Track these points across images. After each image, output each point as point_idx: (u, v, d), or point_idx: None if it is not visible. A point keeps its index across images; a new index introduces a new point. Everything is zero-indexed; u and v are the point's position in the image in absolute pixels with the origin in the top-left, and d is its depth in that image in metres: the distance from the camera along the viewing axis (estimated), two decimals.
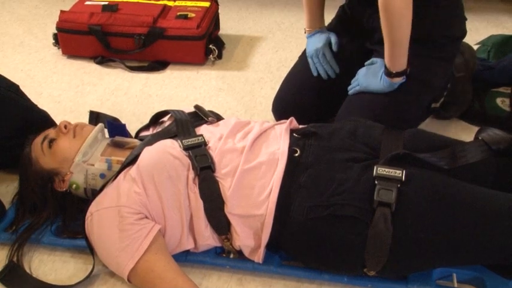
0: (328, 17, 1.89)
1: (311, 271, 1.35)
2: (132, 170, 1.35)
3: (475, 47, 2.05)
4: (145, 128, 1.70)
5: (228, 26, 2.71)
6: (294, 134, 1.43)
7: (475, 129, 1.47)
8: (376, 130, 1.44)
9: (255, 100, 2.14)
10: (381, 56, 1.62)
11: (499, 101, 1.92)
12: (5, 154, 1.62)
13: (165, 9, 2.45)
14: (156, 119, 1.69)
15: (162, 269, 1.26)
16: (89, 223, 1.32)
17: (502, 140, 1.36)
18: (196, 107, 1.62)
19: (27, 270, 1.40)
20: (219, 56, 2.40)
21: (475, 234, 1.22)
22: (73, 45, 2.44)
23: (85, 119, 1.84)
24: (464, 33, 1.69)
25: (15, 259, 1.41)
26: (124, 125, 1.70)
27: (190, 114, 1.59)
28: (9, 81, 1.75)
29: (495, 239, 1.23)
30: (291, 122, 1.49)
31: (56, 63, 2.45)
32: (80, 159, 1.45)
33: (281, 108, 1.87)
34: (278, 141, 1.40)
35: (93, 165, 1.46)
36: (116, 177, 1.38)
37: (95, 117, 1.83)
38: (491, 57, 2.12)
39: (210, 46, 2.35)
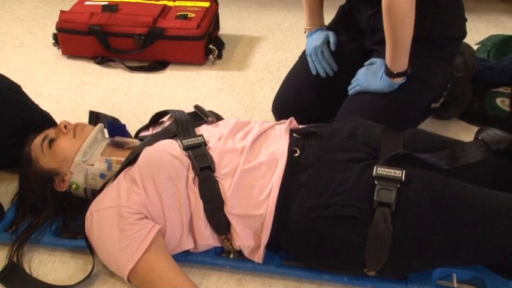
0: (328, 17, 1.89)
1: (311, 271, 1.35)
2: (132, 170, 1.35)
3: (475, 47, 2.05)
4: (145, 128, 1.70)
5: (228, 26, 2.71)
6: (294, 134, 1.43)
7: (475, 129, 1.47)
8: (376, 130, 1.44)
9: (255, 100, 2.14)
10: (381, 56, 1.62)
11: (498, 101, 1.92)
12: (5, 153, 1.62)
13: (165, 9, 2.45)
14: (156, 119, 1.69)
15: (162, 269, 1.26)
16: (88, 223, 1.32)
17: (502, 140, 1.36)
18: (196, 107, 1.62)
19: (27, 271, 1.40)
20: (219, 56, 2.40)
21: (475, 234, 1.22)
22: (73, 46, 2.44)
23: (85, 119, 1.84)
24: (464, 33, 1.69)
25: (15, 259, 1.41)
26: (124, 125, 1.70)
27: (190, 114, 1.59)
28: (10, 80, 1.76)
29: (495, 239, 1.23)
30: (291, 122, 1.49)
31: (56, 63, 2.45)
32: (80, 159, 1.45)
33: (281, 109, 1.87)
34: (278, 141, 1.40)
35: (93, 165, 1.46)
36: (115, 177, 1.38)
37: (95, 118, 1.83)
38: (491, 57, 2.13)
39: (210, 46, 2.35)
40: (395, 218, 1.22)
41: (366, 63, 1.70)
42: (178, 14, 2.38)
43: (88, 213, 1.33)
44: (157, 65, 2.37)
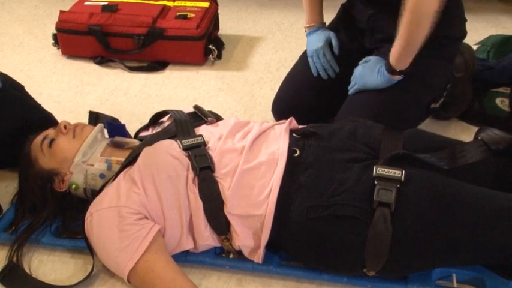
0: (329, 17, 1.89)
1: (311, 271, 1.35)
2: (132, 170, 1.35)
3: (475, 47, 2.06)
4: (145, 128, 1.70)
5: (228, 26, 2.71)
6: (294, 134, 1.43)
7: (475, 129, 1.47)
8: (375, 130, 1.44)
9: (254, 100, 2.14)
10: (380, 54, 1.62)
11: (498, 101, 1.92)
12: (7, 151, 1.62)
13: (165, 9, 2.45)
14: (156, 119, 1.69)
15: (162, 269, 1.26)
16: (88, 223, 1.32)
17: (502, 140, 1.36)
18: (196, 107, 1.62)
19: (27, 271, 1.40)
20: (219, 56, 2.40)
21: (475, 234, 1.22)
22: (72, 46, 2.44)
23: (84, 119, 1.84)
24: (464, 34, 1.69)
25: (14, 259, 1.41)
26: (123, 125, 1.70)
27: (189, 114, 1.59)
28: (14, 80, 1.77)
29: (495, 239, 1.23)
30: (291, 122, 1.49)
31: (56, 63, 2.45)
32: (80, 159, 1.45)
33: (281, 109, 1.87)
34: (278, 141, 1.40)
35: (92, 165, 1.46)
36: (115, 178, 1.38)
37: (95, 118, 1.84)
38: (491, 58, 2.13)
39: (210, 46, 2.35)
40: (395, 218, 1.22)
41: (360, 62, 1.70)
42: (177, 14, 2.38)
43: (88, 214, 1.33)
44: (156, 65, 2.37)
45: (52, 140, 1.47)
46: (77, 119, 1.72)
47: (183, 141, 1.40)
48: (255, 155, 1.37)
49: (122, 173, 1.37)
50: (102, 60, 2.41)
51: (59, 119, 1.61)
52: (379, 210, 1.23)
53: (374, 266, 1.25)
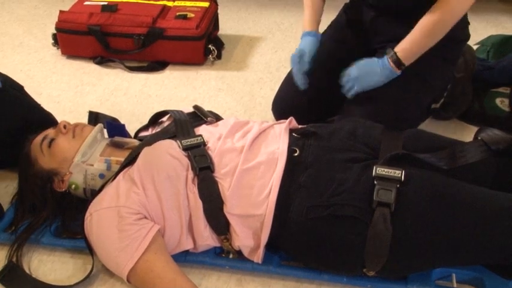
0: (329, 17, 1.88)
1: (310, 271, 1.35)
2: (132, 170, 1.35)
3: (474, 47, 2.05)
4: (145, 128, 1.70)
5: (228, 26, 2.71)
6: (294, 134, 1.43)
7: (475, 129, 1.47)
8: (375, 130, 1.44)
9: (254, 100, 2.14)
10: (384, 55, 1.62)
11: (498, 101, 1.92)
12: (7, 151, 1.62)
13: (165, 9, 2.45)
14: (155, 119, 1.69)
15: (162, 269, 1.26)
16: (88, 223, 1.32)
17: (502, 140, 1.36)
18: (196, 107, 1.62)
19: (27, 271, 1.40)
20: (219, 56, 2.40)
21: (475, 234, 1.22)
22: (72, 46, 2.44)
23: (84, 119, 1.84)
24: (467, 36, 1.69)
25: (14, 259, 1.40)
26: (123, 125, 1.70)
27: (189, 114, 1.59)
28: (14, 80, 1.77)
29: (495, 239, 1.23)
30: (290, 122, 1.49)
31: (55, 63, 2.45)
32: (79, 159, 1.45)
33: (281, 109, 1.87)
34: (277, 141, 1.40)
35: (92, 165, 1.46)
36: (115, 178, 1.38)
37: (94, 118, 1.84)
38: (491, 58, 2.13)
39: (210, 46, 2.35)
40: (395, 218, 1.22)
41: (352, 64, 1.65)
42: (177, 14, 2.38)
43: (87, 214, 1.33)
44: (156, 65, 2.37)
45: (52, 140, 1.47)
46: (76, 119, 1.72)
47: (182, 141, 1.40)
48: (254, 154, 1.37)
49: (122, 173, 1.37)
50: (102, 60, 2.41)
51: (58, 119, 1.61)
52: (379, 210, 1.23)
53: (374, 266, 1.25)
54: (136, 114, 2.06)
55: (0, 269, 1.38)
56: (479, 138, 1.38)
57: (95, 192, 1.42)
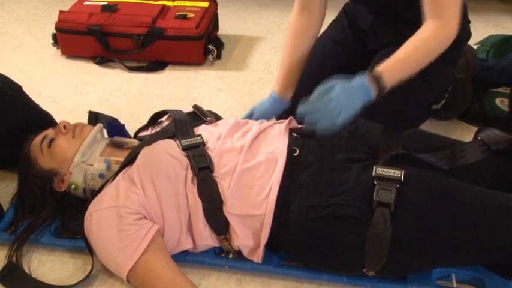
0: (329, 17, 1.88)
1: (310, 271, 1.35)
2: (131, 170, 1.35)
3: (474, 47, 2.05)
4: (144, 128, 1.70)
5: (227, 26, 2.71)
6: (293, 134, 1.43)
7: (475, 129, 1.47)
8: (375, 130, 1.44)
9: (254, 100, 2.13)
10: (384, 56, 1.60)
11: (498, 101, 1.92)
12: (6, 151, 1.62)
13: (164, 9, 2.45)
14: (155, 119, 1.69)
15: (161, 269, 1.26)
16: (87, 223, 1.32)
17: (502, 140, 1.36)
18: (195, 107, 1.62)
19: (27, 271, 1.40)
20: (218, 56, 2.40)
21: (475, 234, 1.22)
22: (72, 46, 2.44)
23: (84, 119, 1.84)
24: (468, 36, 1.68)
25: (14, 259, 1.40)
26: (123, 125, 1.70)
27: (189, 114, 1.59)
28: (12, 81, 1.77)
29: (495, 239, 1.23)
30: (290, 122, 1.49)
31: (55, 63, 2.45)
32: (79, 159, 1.45)
33: None
34: (277, 141, 1.40)
35: (92, 165, 1.46)
36: (114, 178, 1.38)
37: (94, 118, 1.83)
38: (490, 58, 2.13)
39: (209, 46, 2.35)
40: (395, 218, 1.22)
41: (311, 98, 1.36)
42: (177, 14, 2.38)
43: (87, 214, 1.33)
44: (156, 65, 2.37)
45: (51, 140, 1.47)
46: (76, 119, 1.72)
47: (182, 141, 1.40)
48: (254, 154, 1.37)
49: (121, 173, 1.37)
50: (101, 60, 2.41)
51: (58, 119, 1.61)
52: (379, 210, 1.23)
53: (374, 266, 1.25)
54: (136, 114, 2.06)
55: (0, 269, 1.38)
56: (479, 138, 1.38)
57: (94, 192, 1.41)
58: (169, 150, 1.37)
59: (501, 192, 1.28)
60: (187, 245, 1.36)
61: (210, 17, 2.42)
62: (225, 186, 1.31)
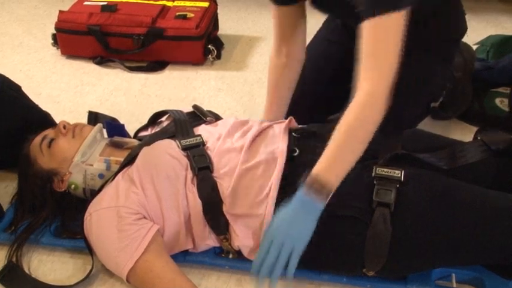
0: (322, 17, 1.87)
1: (310, 271, 1.35)
2: (131, 170, 1.35)
3: (474, 47, 2.05)
4: (144, 128, 1.70)
5: (227, 26, 2.71)
6: (293, 134, 1.43)
7: (475, 129, 1.48)
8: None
9: (254, 100, 2.14)
10: None
11: (498, 101, 1.92)
12: (6, 152, 1.62)
13: (164, 9, 2.45)
14: (155, 119, 1.69)
15: (161, 269, 1.26)
16: (87, 223, 1.32)
17: (502, 140, 1.36)
18: (195, 107, 1.62)
19: (27, 271, 1.40)
20: (218, 56, 2.40)
21: (475, 234, 1.22)
22: (72, 46, 2.44)
23: (84, 119, 1.84)
24: (464, 30, 1.63)
25: (14, 259, 1.40)
26: (123, 125, 1.70)
27: (188, 114, 1.59)
28: (11, 81, 1.77)
29: (495, 239, 1.23)
30: (290, 122, 1.49)
31: (55, 63, 2.45)
32: (79, 159, 1.45)
33: None
34: (277, 141, 1.39)
35: (92, 165, 1.46)
36: (114, 178, 1.38)
37: (94, 118, 1.83)
38: (490, 58, 2.12)
39: (209, 46, 2.35)
40: (395, 218, 1.22)
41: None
42: (177, 14, 2.38)
43: (87, 214, 1.33)
44: (156, 65, 2.37)
45: (51, 140, 1.47)
46: (76, 119, 1.72)
47: (181, 141, 1.40)
48: (254, 154, 1.36)
49: (121, 173, 1.37)
50: (101, 60, 2.41)
51: (58, 119, 1.61)
52: (379, 210, 1.23)
53: (374, 266, 1.25)
54: (135, 114, 2.06)
55: (0, 269, 1.38)
56: (479, 138, 1.39)
57: (94, 192, 1.41)
58: (169, 150, 1.37)
59: (501, 192, 1.28)
60: (187, 245, 1.36)
61: (210, 17, 2.42)
62: (225, 186, 1.31)
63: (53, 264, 1.45)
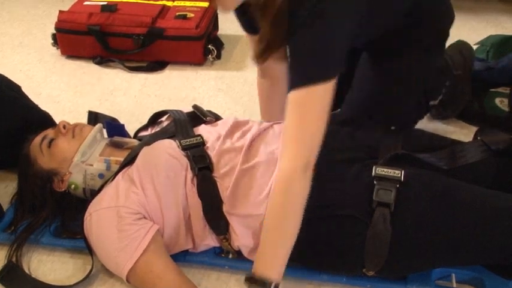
0: None
1: (310, 271, 1.35)
2: (131, 170, 1.35)
3: (474, 47, 2.05)
4: (144, 128, 1.70)
5: (227, 26, 2.71)
6: None
7: (474, 129, 1.47)
8: (375, 130, 1.44)
9: (254, 100, 2.13)
10: (368, 52, 1.56)
11: (498, 101, 1.92)
12: (6, 152, 1.62)
13: (164, 9, 2.45)
14: (155, 119, 1.69)
15: (161, 269, 1.26)
16: (87, 223, 1.32)
17: (501, 140, 1.36)
18: (195, 107, 1.62)
19: (26, 271, 1.40)
20: (218, 56, 2.40)
21: (475, 234, 1.22)
22: (72, 46, 2.44)
23: (84, 119, 1.84)
24: (449, 20, 1.55)
25: (14, 259, 1.41)
26: (123, 125, 1.70)
27: (188, 114, 1.58)
28: (11, 81, 1.77)
29: (495, 239, 1.23)
30: None
31: (55, 63, 2.45)
32: (79, 159, 1.45)
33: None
34: (277, 141, 1.39)
35: (91, 165, 1.46)
36: (114, 178, 1.38)
37: (94, 118, 1.83)
38: (490, 58, 2.12)
39: (209, 46, 2.35)
40: (395, 218, 1.22)
41: None
42: (177, 14, 2.38)
43: (87, 214, 1.33)
44: (156, 65, 2.37)
45: (51, 140, 1.47)
46: (76, 119, 1.72)
47: (181, 141, 1.40)
48: (253, 154, 1.37)
49: (121, 173, 1.37)
50: (101, 60, 2.41)
51: (58, 119, 1.61)
52: (379, 210, 1.23)
53: (373, 266, 1.25)
54: (135, 114, 2.06)
55: (0, 269, 1.38)
56: (479, 138, 1.38)
57: (94, 192, 1.41)
58: (169, 150, 1.37)
59: (501, 192, 1.28)
60: (187, 245, 1.36)
61: (210, 17, 2.42)
62: (225, 186, 1.31)
63: (53, 264, 1.45)
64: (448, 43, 1.78)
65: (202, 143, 1.40)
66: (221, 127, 1.48)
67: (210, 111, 1.63)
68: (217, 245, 1.37)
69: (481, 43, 2.23)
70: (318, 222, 1.25)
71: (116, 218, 1.27)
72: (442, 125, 1.92)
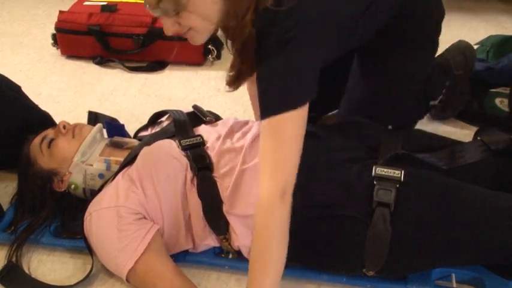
0: None
1: (310, 271, 1.35)
2: (131, 170, 1.35)
3: (474, 47, 2.05)
4: (144, 128, 1.70)
5: None
6: None
7: (474, 129, 1.47)
8: (375, 130, 1.44)
9: None
10: (362, 53, 1.56)
11: (497, 101, 1.92)
12: (6, 152, 1.62)
13: None
14: (155, 119, 1.69)
15: (161, 269, 1.26)
16: (87, 223, 1.32)
17: (501, 140, 1.36)
18: (195, 107, 1.62)
19: (26, 271, 1.40)
20: (218, 57, 2.40)
21: (475, 234, 1.22)
22: (72, 46, 2.44)
23: (84, 119, 1.84)
24: (442, 16, 1.54)
25: (14, 259, 1.41)
26: (122, 125, 1.70)
27: (188, 114, 1.59)
28: (11, 81, 1.77)
29: (495, 239, 1.22)
30: None
31: (55, 63, 2.45)
32: (79, 159, 1.45)
33: None
34: None
35: (91, 165, 1.46)
36: (114, 178, 1.38)
37: (94, 118, 1.83)
38: (490, 58, 2.12)
39: (209, 46, 2.34)
40: (395, 218, 1.22)
41: None
42: None
43: (87, 213, 1.33)
44: (156, 65, 2.37)
45: (51, 140, 1.47)
46: (76, 119, 1.72)
47: (181, 141, 1.40)
48: (253, 154, 1.36)
49: (121, 173, 1.37)
50: (101, 60, 2.41)
51: (58, 119, 1.61)
52: (379, 210, 1.23)
53: (373, 266, 1.25)
54: (135, 114, 2.06)
55: (0, 269, 1.38)
56: (478, 138, 1.38)
57: (94, 192, 1.41)
58: (169, 150, 1.37)
59: (501, 193, 1.28)
60: (187, 245, 1.36)
61: None
62: (225, 186, 1.32)
63: (53, 264, 1.45)
64: (448, 43, 1.79)
65: (202, 143, 1.41)
66: (221, 127, 1.48)
67: (210, 111, 1.63)
68: (217, 245, 1.37)
69: (481, 43, 2.23)
70: (318, 222, 1.25)
71: (116, 217, 1.27)
72: (442, 125, 1.92)
